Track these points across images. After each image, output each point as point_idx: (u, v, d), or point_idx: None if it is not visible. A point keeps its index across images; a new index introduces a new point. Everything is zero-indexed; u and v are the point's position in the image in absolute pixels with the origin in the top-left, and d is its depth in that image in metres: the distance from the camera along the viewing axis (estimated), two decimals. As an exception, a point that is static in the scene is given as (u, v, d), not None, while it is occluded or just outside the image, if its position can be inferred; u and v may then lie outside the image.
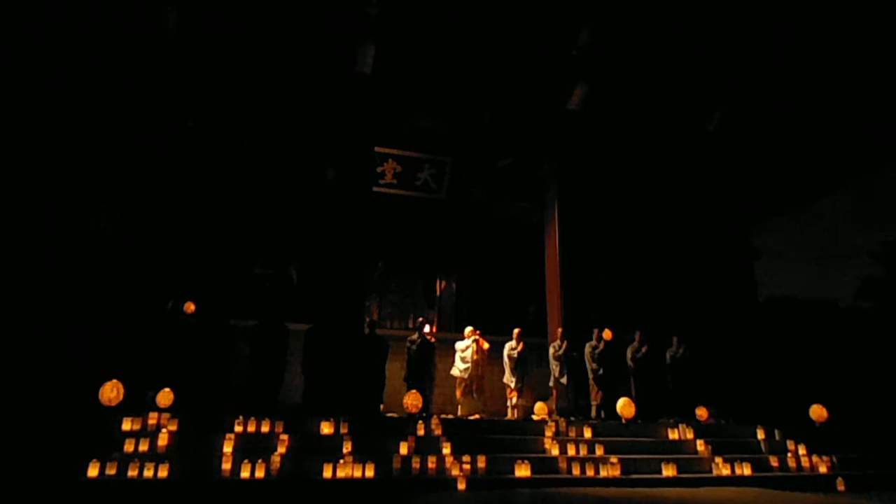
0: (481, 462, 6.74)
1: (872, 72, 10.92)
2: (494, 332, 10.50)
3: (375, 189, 11.59)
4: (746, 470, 7.44)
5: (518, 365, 9.64)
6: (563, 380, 9.51)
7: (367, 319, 9.73)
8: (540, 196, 12.10)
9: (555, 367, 9.63)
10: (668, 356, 9.73)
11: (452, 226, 13.13)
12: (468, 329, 9.83)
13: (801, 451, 8.09)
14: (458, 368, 9.62)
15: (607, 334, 9.49)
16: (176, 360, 7.92)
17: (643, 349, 9.61)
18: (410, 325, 12.59)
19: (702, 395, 9.24)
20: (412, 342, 9.21)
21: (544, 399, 9.44)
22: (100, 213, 9.91)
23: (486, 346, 9.76)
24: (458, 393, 9.65)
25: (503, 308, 12.44)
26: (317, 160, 11.31)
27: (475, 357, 9.56)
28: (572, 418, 8.78)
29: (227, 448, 6.48)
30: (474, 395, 9.50)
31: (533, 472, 6.72)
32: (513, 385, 9.61)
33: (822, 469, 7.80)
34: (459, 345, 9.79)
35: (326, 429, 7.07)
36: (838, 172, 13.24)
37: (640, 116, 11.73)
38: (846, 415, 9.32)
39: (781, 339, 12.39)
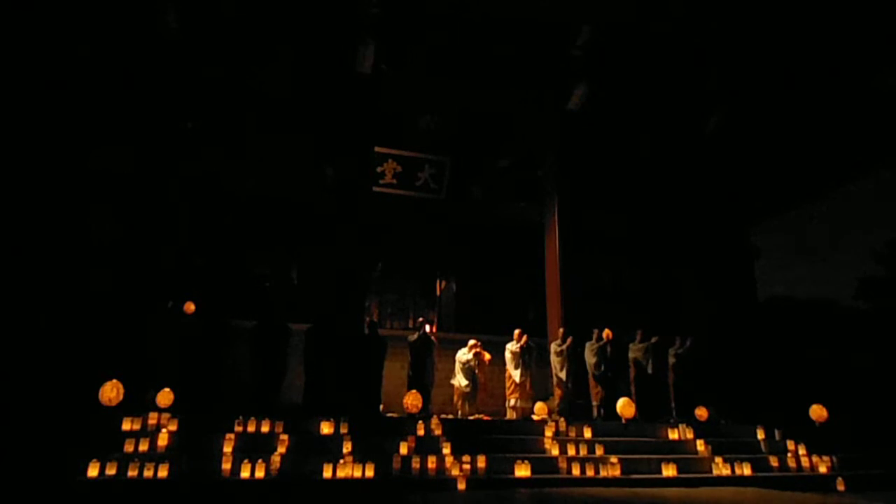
0: (481, 462, 6.74)
1: (873, 72, 10.92)
2: (494, 333, 10.49)
3: (375, 189, 11.60)
4: (746, 470, 7.44)
5: (523, 357, 9.59)
6: (563, 374, 9.48)
7: (367, 320, 9.72)
8: (540, 196, 12.10)
9: (556, 364, 9.61)
10: (671, 354, 9.69)
11: (452, 226, 13.14)
12: (471, 342, 9.78)
13: (801, 451, 8.09)
14: (460, 383, 9.55)
15: (607, 334, 9.50)
16: (176, 360, 7.91)
17: (652, 341, 9.56)
18: (410, 325, 12.60)
19: (702, 395, 9.24)
20: (413, 342, 9.21)
21: (544, 399, 9.43)
22: (100, 212, 9.91)
23: (487, 357, 9.72)
24: (455, 397, 9.65)
25: (503, 308, 12.46)
26: (317, 160, 11.32)
27: (476, 372, 9.55)
28: (573, 417, 8.79)
29: (227, 448, 6.48)
30: (471, 404, 9.49)
31: (533, 472, 6.72)
32: (518, 380, 9.53)
33: (822, 469, 7.80)
34: (461, 356, 9.70)
35: (326, 429, 7.07)
36: (838, 172, 13.24)
37: (640, 116, 11.72)
38: (846, 415, 9.31)
39: (781, 339, 12.39)
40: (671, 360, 9.68)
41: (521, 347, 9.69)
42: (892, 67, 10.75)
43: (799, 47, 10.78)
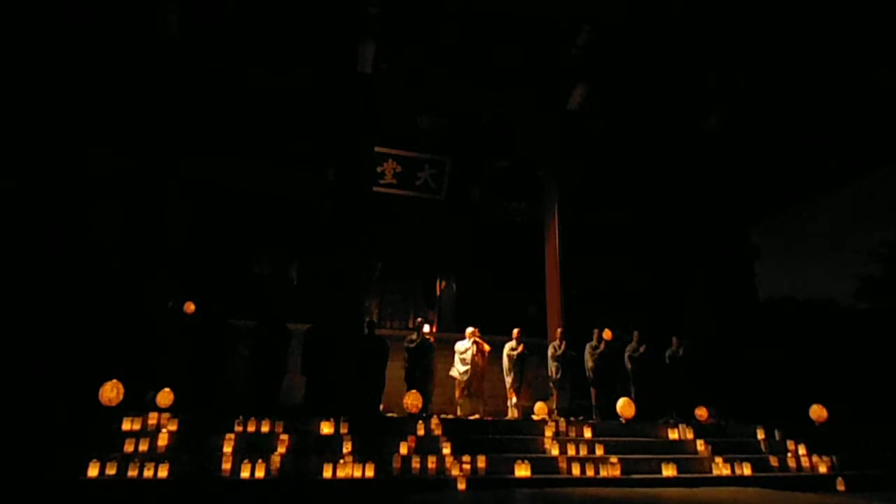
0: (481, 462, 6.73)
1: (873, 72, 10.92)
2: (494, 332, 10.49)
3: (375, 189, 11.60)
4: (746, 470, 7.44)
5: (517, 365, 9.62)
6: (559, 378, 9.50)
7: (367, 320, 9.71)
8: (539, 196, 12.10)
9: (553, 368, 9.62)
10: (667, 356, 9.74)
11: (452, 226, 13.14)
12: (469, 330, 9.77)
13: (801, 451, 8.09)
14: (458, 371, 9.55)
15: (607, 334, 9.50)
16: (176, 361, 7.91)
17: (641, 349, 9.64)
18: (410, 325, 12.60)
19: (702, 395, 9.24)
20: (411, 342, 9.19)
21: (544, 399, 9.44)
22: (100, 212, 9.92)
23: (487, 347, 9.71)
24: (457, 394, 9.63)
25: (503, 308, 12.45)
26: (317, 160, 11.32)
27: (475, 359, 9.53)
28: (572, 418, 8.79)
29: (227, 448, 6.47)
30: (473, 396, 9.47)
31: (533, 472, 6.72)
32: (509, 384, 9.59)
33: (822, 469, 7.80)
34: (459, 346, 9.72)
35: (326, 429, 7.06)
36: (838, 172, 13.25)
37: (640, 116, 11.73)
38: (846, 415, 9.32)
39: (781, 339, 12.38)
40: (667, 361, 9.71)
41: (518, 354, 9.63)
42: (891, 66, 10.75)
43: (799, 46, 10.79)
